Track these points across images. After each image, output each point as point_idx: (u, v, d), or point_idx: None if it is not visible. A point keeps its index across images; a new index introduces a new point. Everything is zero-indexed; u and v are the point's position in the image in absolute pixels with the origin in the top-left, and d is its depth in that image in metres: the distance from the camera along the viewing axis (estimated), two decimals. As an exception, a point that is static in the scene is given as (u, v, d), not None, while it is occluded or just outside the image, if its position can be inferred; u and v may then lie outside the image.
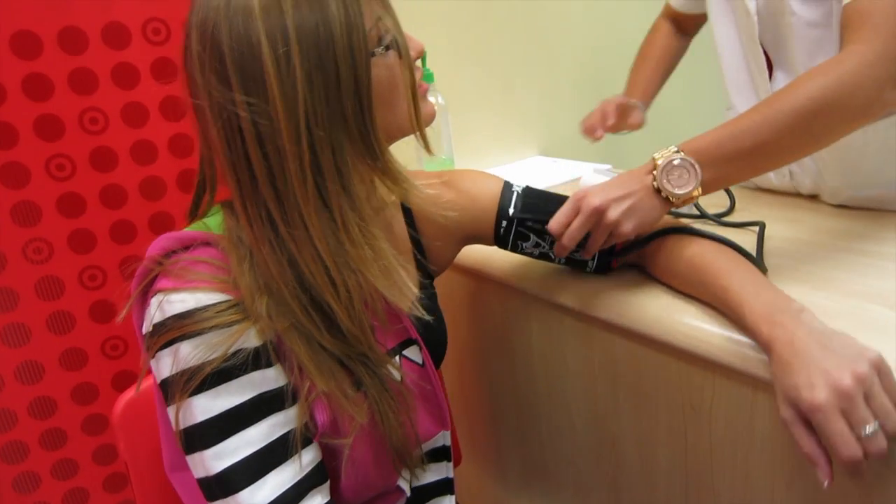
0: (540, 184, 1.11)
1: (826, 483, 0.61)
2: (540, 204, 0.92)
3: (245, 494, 0.68)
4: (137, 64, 1.13)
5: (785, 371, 0.63)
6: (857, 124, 0.82)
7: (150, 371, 0.72)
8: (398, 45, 0.71)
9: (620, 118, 1.32)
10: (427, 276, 0.94)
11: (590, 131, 1.31)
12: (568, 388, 1.07)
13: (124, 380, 1.24)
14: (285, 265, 0.70)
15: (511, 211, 0.91)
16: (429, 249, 0.93)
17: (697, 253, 0.81)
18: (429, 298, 0.91)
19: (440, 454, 0.92)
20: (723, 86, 1.24)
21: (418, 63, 0.77)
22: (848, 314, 0.76)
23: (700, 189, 0.81)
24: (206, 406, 0.68)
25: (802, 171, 1.15)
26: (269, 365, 0.70)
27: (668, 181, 0.82)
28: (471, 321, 1.27)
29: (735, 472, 0.82)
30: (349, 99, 0.67)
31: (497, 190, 0.93)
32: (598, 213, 0.82)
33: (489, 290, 1.18)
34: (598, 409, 1.02)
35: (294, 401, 0.72)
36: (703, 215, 1.09)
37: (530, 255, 0.95)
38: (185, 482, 0.79)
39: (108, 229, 1.17)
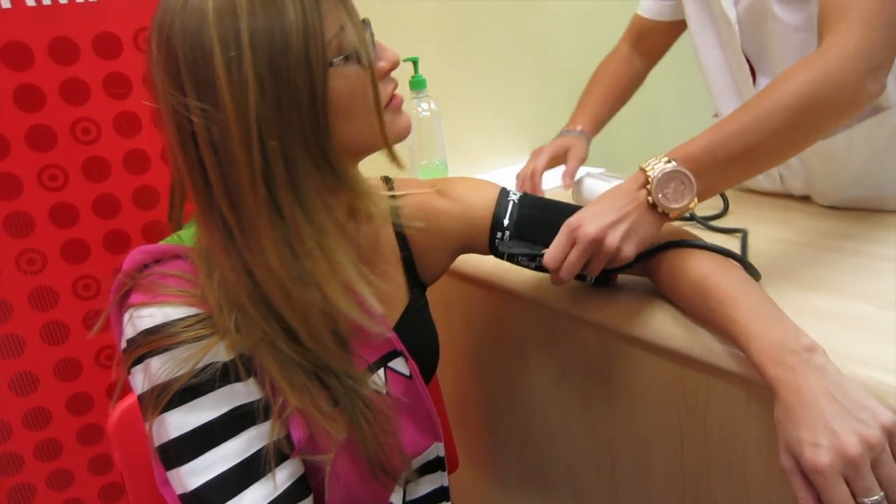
0: (533, 188, 1.11)
1: None
2: (536, 216, 0.88)
3: None
4: (129, 74, 1.13)
5: (790, 421, 0.60)
6: (843, 118, 0.81)
7: (127, 387, 0.71)
8: (359, 57, 0.68)
9: (555, 163, 1.25)
10: (419, 285, 0.92)
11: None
12: (564, 392, 1.07)
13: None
14: (243, 275, 0.68)
15: (506, 222, 0.88)
16: (420, 259, 0.91)
17: (702, 274, 0.76)
18: (419, 309, 0.90)
19: (434, 465, 0.91)
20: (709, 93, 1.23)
21: (400, 73, 0.75)
22: (839, 314, 0.76)
23: (696, 200, 0.79)
24: (180, 422, 0.67)
25: (792, 175, 1.15)
26: (241, 379, 0.69)
27: (664, 195, 0.79)
28: (467, 326, 1.27)
29: (731, 473, 0.82)
30: (304, 109, 0.65)
31: (492, 198, 0.89)
32: (596, 244, 0.79)
33: (485, 296, 1.18)
34: (594, 413, 1.02)
35: (270, 415, 0.71)
36: (692, 217, 1.09)
37: (526, 266, 0.91)
38: (175, 496, 0.79)
39: (101, 239, 1.17)
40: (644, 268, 0.87)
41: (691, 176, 0.78)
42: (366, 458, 0.76)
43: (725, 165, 0.79)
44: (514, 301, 1.10)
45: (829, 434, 0.57)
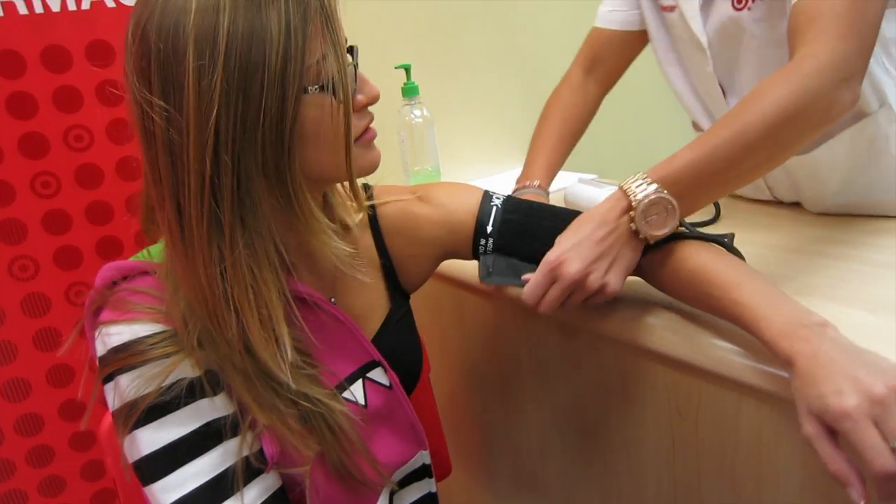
0: (525, 194, 1.11)
1: (861, 503, 0.55)
2: (520, 221, 0.86)
3: None
4: (122, 81, 1.13)
5: (809, 384, 0.58)
6: (820, 129, 0.80)
7: (99, 403, 0.71)
8: (335, 90, 0.65)
9: None
10: (401, 294, 0.91)
11: None
12: (557, 397, 1.07)
13: (112, 396, 1.23)
14: (181, 279, 0.67)
15: (489, 228, 0.86)
16: (401, 267, 0.90)
17: (700, 263, 0.75)
18: (400, 318, 0.89)
19: (421, 473, 0.90)
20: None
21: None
22: (830, 319, 0.76)
23: (678, 224, 0.78)
24: (150, 439, 0.67)
25: (779, 186, 1.16)
26: (207, 395, 0.69)
27: (647, 223, 0.77)
28: (460, 332, 1.27)
29: (722, 477, 0.82)
30: (268, 131, 0.62)
31: (475, 203, 0.87)
32: (578, 284, 0.78)
33: (478, 301, 1.18)
34: (586, 417, 1.02)
35: (240, 431, 0.70)
36: (681, 224, 1.09)
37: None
38: None
39: (94, 245, 1.17)
40: (637, 267, 0.86)
41: (675, 202, 0.77)
42: (336, 474, 0.76)
43: (707, 183, 0.79)
44: (507, 306, 1.11)
45: (851, 381, 0.56)
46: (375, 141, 0.76)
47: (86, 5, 1.09)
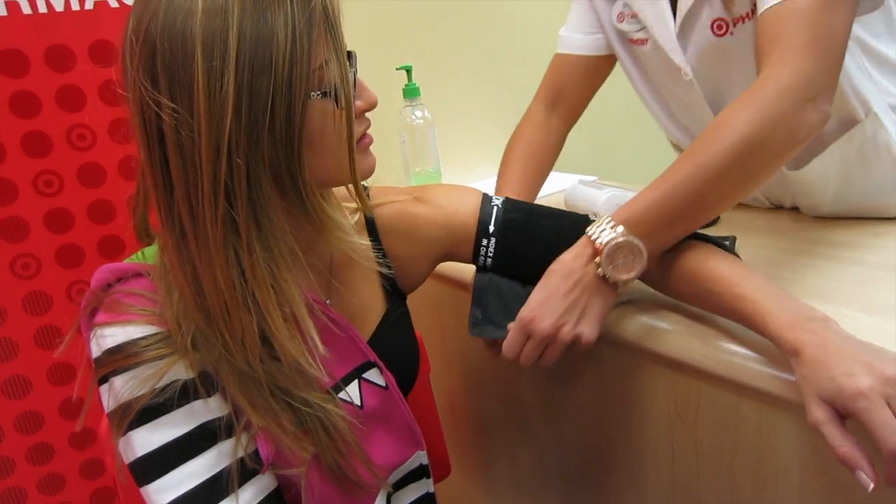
0: (525, 196, 1.11)
1: (871, 487, 0.55)
2: (522, 221, 0.86)
3: None
4: (120, 79, 1.14)
5: (819, 368, 0.59)
6: (789, 154, 0.77)
7: (94, 403, 0.72)
8: (337, 96, 0.65)
9: None
10: (398, 294, 0.91)
11: None
12: (556, 398, 1.07)
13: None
14: (193, 284, 0.66)
15: (491, 228, 0.86)
16: (399, 268, 0.89)
17: (700, 262, 0.76)
18: (397, 319, 0.89)
19: (418, 473, 0.90)
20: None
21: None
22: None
23: (645, 266, 0.77)
24: (145, 440, 0.67)
25: (776, 195, 1.16)
26: (202, 397, 0.69)
27: (614, 267, 0.77)
28: (460, 332, 1.27)
29: (720, 478, 0.82)
30: (278, 135, 0.62)
31: (476, 204, 0.87)
32: (551, 338, 0.78)
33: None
34: (586, 419, 1.02)
35: (234, 432, 0.70)
36: None
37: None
38: None
39: (96, 244, 1.18)
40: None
41: (640, 244, 0.76)
42: (331, 476, 0.76)
43: (673, 221, 0.77)
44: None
45: (862, 364, 0.57)
46: (375, 142, 0.76)
47: (89, 5, 1.09)
